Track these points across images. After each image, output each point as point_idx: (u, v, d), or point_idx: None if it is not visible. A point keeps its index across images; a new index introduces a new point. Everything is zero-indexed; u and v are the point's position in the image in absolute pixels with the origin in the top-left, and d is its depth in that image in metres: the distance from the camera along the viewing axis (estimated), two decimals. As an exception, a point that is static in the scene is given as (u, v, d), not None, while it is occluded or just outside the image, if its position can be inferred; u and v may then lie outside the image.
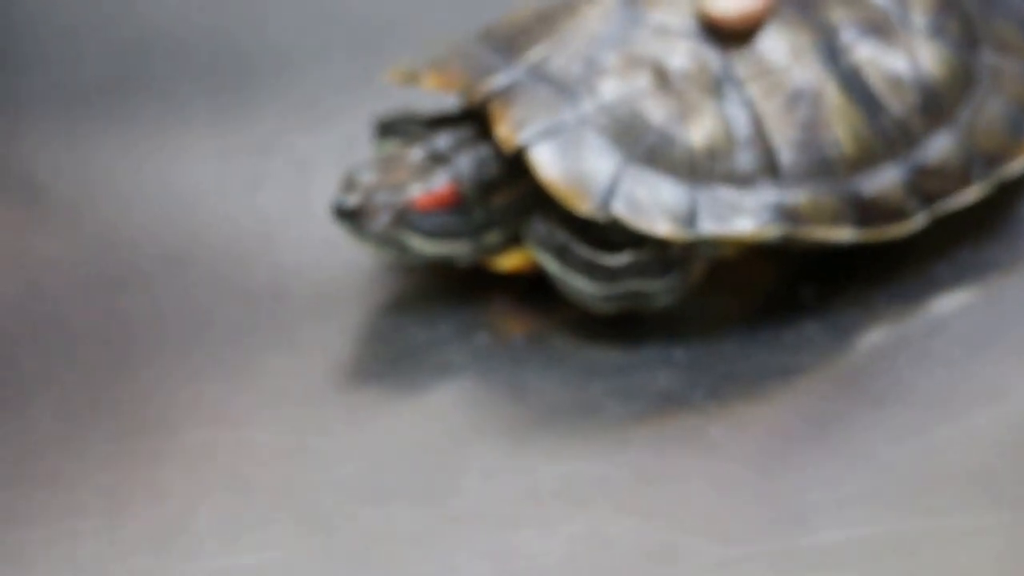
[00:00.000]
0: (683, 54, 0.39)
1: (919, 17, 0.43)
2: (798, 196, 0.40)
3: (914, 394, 0.36)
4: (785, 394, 0.37)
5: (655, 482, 0.34)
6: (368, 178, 0.39)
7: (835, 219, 0.40)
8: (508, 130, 0.38)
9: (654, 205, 0.38)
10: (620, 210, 0.38)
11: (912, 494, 0.33)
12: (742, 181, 0.39)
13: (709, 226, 0.39)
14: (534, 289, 0.40)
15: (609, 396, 0.37)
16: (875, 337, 0.39)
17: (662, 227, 0.38)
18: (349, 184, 0.39)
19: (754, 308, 0.40)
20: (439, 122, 0.41)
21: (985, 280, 0.42)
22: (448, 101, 0.45)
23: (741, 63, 0.40)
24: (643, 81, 0.39)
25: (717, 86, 0.39)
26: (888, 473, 0.34)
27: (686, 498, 0.34)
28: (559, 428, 0.36)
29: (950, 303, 0.42)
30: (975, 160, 0.42)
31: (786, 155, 0.40)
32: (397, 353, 0.38)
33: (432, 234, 0.39)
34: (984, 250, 0.43)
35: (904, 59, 0.42)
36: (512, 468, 0.35)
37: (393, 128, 0.42)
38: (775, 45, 0.40)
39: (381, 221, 0.39)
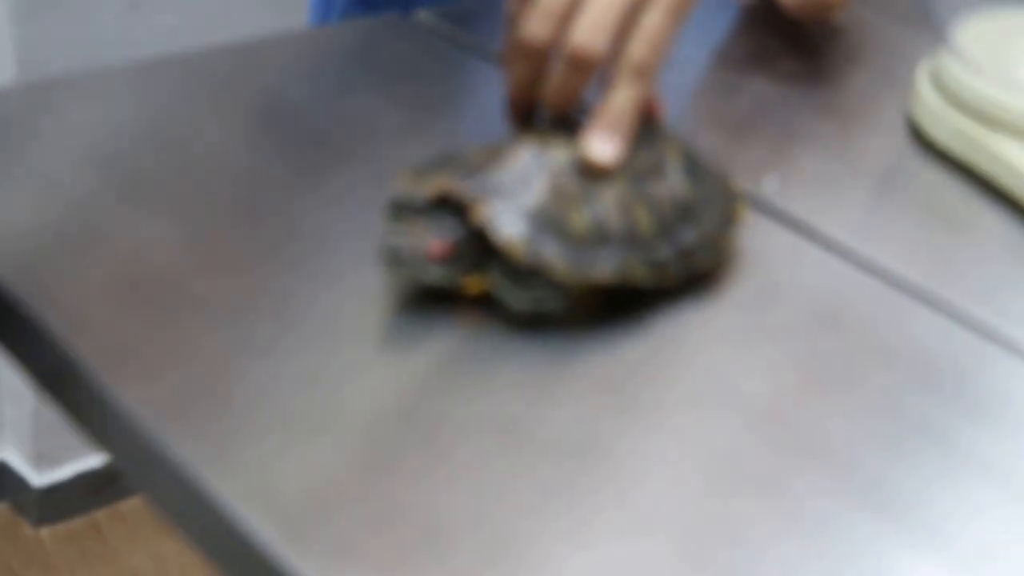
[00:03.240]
0: (567, 181, 0.69)
1: (674, 167, 0.72)
2: (623, 259, 0.68)
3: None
4: (609, 351, 0.68)
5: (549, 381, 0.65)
6: (403, 238, 0.67)
7: (640, 271, 0.68)
8: (481, 217, 0.67)
9: (553, 258, 0.67)
10: (538, 259, 0.66)
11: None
12: (596, 248, 0.67)
13: (580, 270, 0.67)
14: (487, 302, 0.69)
15: (516, 351, 0.67)
16: (645, 333, 0.70)
17: (558, 269, 0.67)
18: (392, 241, 0.66)
19: (593, 319, 0.69)
20: (432, 207, 0.68)
21: (706, 305, 0.72)
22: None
23: (596, 187, 0.69)
24: (545, 193, 0.68)
25: (585, 198, 0.69)
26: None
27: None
28: (491, 366, 0.66)
29: (688, 315, 0.71)
30: (705, 244, 0.71)
31: (617, 236, 0.68)
32: (421, 324, 0.68)
33: (436, 270, 0.67)
34: (707, 291, 0.72)
35: (668, 188, 0.71)
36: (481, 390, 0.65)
37: (397, 209, 0.68)
38: (612, 178, 0.70)
39: (411, 262, 0.66)
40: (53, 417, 2.11)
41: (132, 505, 2.24)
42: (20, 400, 2.15)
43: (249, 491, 0.58)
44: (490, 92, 0.85)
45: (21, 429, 2.19)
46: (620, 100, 0.71)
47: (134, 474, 0.62)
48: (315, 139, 0.83)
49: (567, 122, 0.73)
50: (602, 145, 0.70)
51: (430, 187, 0.69)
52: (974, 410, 0.67)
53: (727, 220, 0.74)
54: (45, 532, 2.19)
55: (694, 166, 0.74)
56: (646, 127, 0.73)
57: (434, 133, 0.85)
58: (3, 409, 2.19)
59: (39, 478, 2.20)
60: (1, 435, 2.22)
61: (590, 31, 0.71)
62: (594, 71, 0.72)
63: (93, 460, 2.22)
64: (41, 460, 2.19)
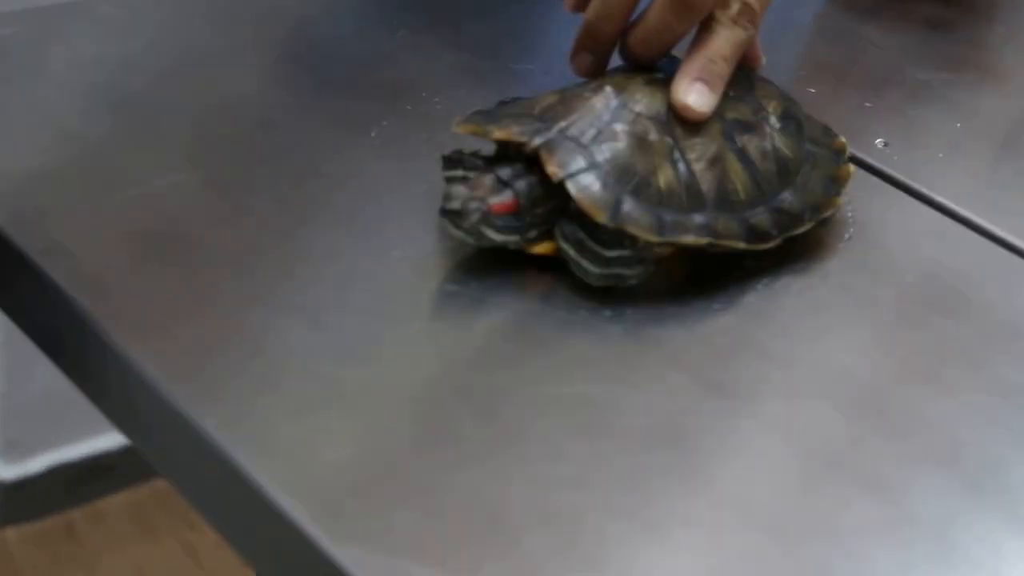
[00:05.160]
0: (651, 132, 0.63)
1: (773, 119, 0.67)
2: (715, 221, 0.63)
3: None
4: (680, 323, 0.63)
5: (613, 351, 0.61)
6: (462, 193, 0.62)
7: (734, 236, 0.63)
8: (554, 168, 0.61)
9: (638, 220, 0.61)
10: (621, 221, 0.61)
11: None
12: (685, 210, 0.62)
13: (668, 235, 0.62)
14: (553, 266, 0.64)
15: (589, 322, 0.62)
16: (734, 305, 0.65)
17: (643, 234, 0.61)
18: (449, 196, 0.61)
19: (675, 288, 0.65)
20: (493, 159, 0.64)
21: (803, 276, 0.67)
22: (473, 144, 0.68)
23: (684, 139, 0.64)
24: (626, 146, 0.63)
25: (670, 152, 0.63)
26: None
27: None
28: (558, 340, 0.61)
29: (783, 287, 0.66)
30: (806, 207, 0.66)
31: (708, 196, 0.63)
32: (479, 289, 0.63)
33: (499, 229, 0.62)
34: (804, 260, 0.68)
35: (767, 143, 0.66)
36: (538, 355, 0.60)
37: (453, 162, 0.65)
38: (703, 130, 0.64)
39: (470, 220, 0.62)
40: (25, 401, 1.90)
41: (113, 504, 2.02)
42: (-13, 381, 1.95)
43: (287, 475, 0.54)
44: (554, 34, 0.81)
45: (-12, 414, 1.99)
46: (719, 42, 0.65)
47: (151, 450, 0.60)
48: (358, 79, 0.78)
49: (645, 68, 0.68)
50: (696, 91, 0.64)
51: (494, 136, 0.64)
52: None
53: (831, 181, 0.68)
54: (11, 533, 1.99)
55: (795, 120, 0.69)
56: (743, 75, 0.68)
57: (491, 77, 0.80)
58: (-33, 391, 2.05)
59: (7, 470, 1.96)
60: (-36, 420, 2.07)
61: None
62: (695, 21, 0.65)
63: (70, 451, 2.04)
64: (10, 449, 2.04)
